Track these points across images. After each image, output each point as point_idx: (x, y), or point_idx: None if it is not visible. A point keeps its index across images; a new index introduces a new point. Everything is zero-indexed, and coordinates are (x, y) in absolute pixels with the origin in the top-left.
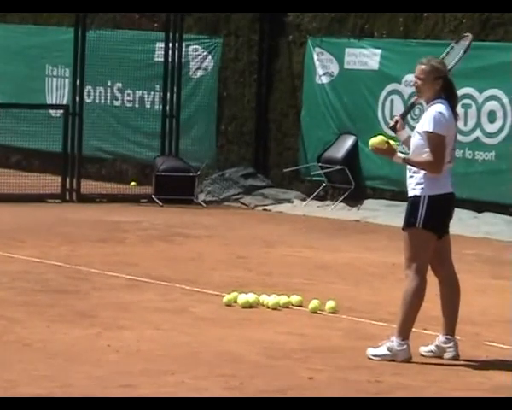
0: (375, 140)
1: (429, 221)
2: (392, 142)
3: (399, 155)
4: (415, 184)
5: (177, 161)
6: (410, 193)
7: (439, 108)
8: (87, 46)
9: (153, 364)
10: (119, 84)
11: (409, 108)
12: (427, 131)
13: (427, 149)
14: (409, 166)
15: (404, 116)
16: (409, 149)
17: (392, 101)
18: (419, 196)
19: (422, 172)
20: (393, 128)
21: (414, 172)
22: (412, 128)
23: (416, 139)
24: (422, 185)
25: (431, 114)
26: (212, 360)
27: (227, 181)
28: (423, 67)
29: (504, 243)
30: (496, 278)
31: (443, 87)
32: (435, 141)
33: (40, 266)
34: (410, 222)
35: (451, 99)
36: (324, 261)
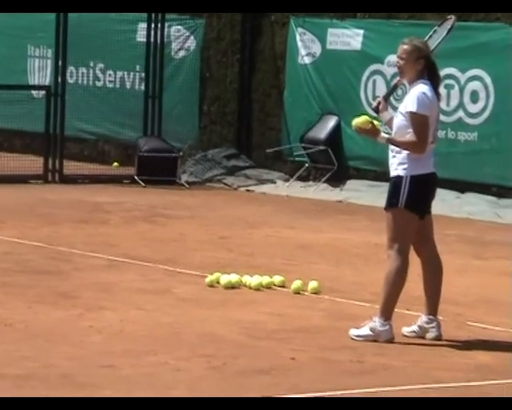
0: (359, 120)
1: (411, 201)
2: (375, 122)
3: (383, 135)
4: (397, 164)
5: (160, 142)
6: (393, 173)
7: (422, 88)
8: (69, 27)
9: (135, 344)
10: (101, 65)
11: (392, 90)
12: (410, 112)
13: (410, 130)
14: (391, 147)
15: (386, 97)
16: (391, 129)
17: (374, 81)
18: (401, 177)
19: (405, 152)
20: (376, 109)
21: (396, 153)
22: (395, 109)
23: (398, 120)
24: (405, 166)
25: (414, 95)
26: (194, 341)
27: (210, 162)
28: (405, 46)
29: (486, 223)
30: (477, 259)
31: (425, 67)
32: (419, 121)
33: (21, 247)
34: (392, 202)
35: (434, 79)
36: (306, 242)
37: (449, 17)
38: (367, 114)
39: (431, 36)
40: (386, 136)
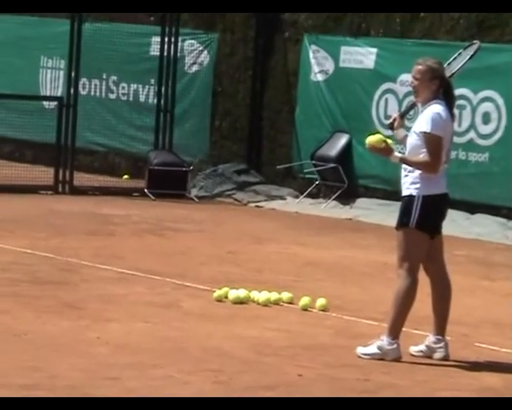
0: (373, 139)
1: (423, 221)
2: (389, 141)
3: (396, 154)
4: (409, 183)
5: (171, 156)
6: (405, 192)
7: (437, 108)
8: (83, 38)
9: (141, 357)
10: (115, 78)
11: (409, 108)
12: (424, 132)
13: (424, 150)
14: (404, 166)
15: (403, 115)
16: (405, 148)
17: (386, 100)
18: (413, 196)
19: (417, 171)
20: (391, 126)
21: (409, 172)
22: (407, 128)
23: (412, 139)
24: (417, 185)
25: (428, 115)
26: (200, 355)
27: (220, 177)
28: (420, 67)
29: (495, 244)
30: (485, 280)
31: (440, 87)
32: (433, 142)
33: (30, 258)
34: (403, 221)
35: (449, 100)
36: (315, 259)
37: (474, 42)
38: (380, 132)
39: (455, 58)
40: (400, 155)
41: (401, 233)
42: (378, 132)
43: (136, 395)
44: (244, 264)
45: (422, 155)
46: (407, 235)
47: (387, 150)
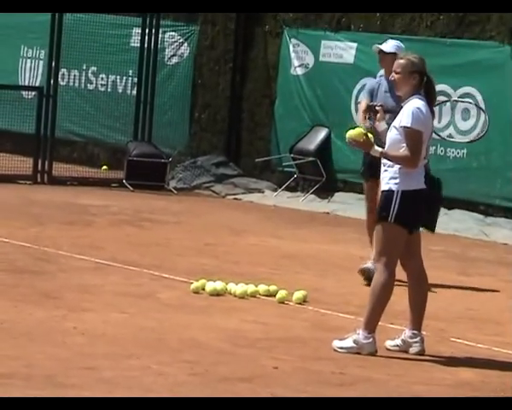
0: (353, 132)
1: (401, 216)
2: (370, 135)
3: (377, 148)
4: (388, 178)
5: (150, 147)
6: (384, 187)
7: (418, 103)
8: (64, 29)
9: (117, 347)
10: (94, 68)
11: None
12: (404, 127)
13: (404, 144)
14: (383, 161)
15: (386, 111)
16: (384, 141)
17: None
18: (393, 191)
19: (397, 166)
20: (370, 112)
21: (388, 167)
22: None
23: (392, 134)
24: (396, 180)
25: (409, 110)
26: (177, 346)
27: (199, 169)
28: (400, 61)
29: (472, 240)
30: (462, 275)
31: (421, 82)
32: (413, 136)
33: (7, 246)
34: (382, 216)
35: (429, 95)
36: (292, 252)
37: None
38: (361, 126)
39: None
40: (380, 149)
41: (380, 227)
42: (358, 126)
43: (111, 385)
44: (221, 256)
45: (402, 150)
46: (386, 229)
47: (367, 144)
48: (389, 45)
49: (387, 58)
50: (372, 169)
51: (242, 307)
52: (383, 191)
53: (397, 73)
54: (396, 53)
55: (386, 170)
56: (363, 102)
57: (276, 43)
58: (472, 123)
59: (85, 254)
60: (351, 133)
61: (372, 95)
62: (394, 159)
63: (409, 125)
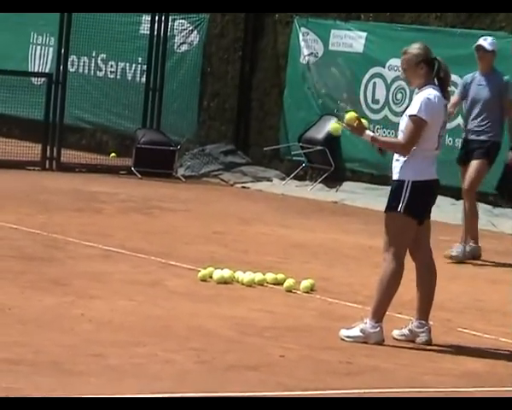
0: (346, 116)
1: (411, 206)
2: (363, 120)
3: (368, 132)
4: (400, 168)
5: (158, 135)
6: (395, 177)
7: (428, 93)
8: (73, 16)
9: (125, 335)
10: (103, 55)
11: None
12: (410, 115)
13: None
14: None
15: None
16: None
17: (374, 84)
18: (403, 181)
19: (408, 156)
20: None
21: (400, 156)
22: (396, 113)
23: (404, 123)
24: (407, 170)
25: (419, 99)
26: (184, 334)
27: (207, 157)
28: (404, 56)
29: (480, 230)
30: (470, 265)
31: (430, 70)
32: (414, 123)
33: (16, 233)
34: (391, 206)
35: (441, 80)
36: (300, 241)
37: None
38: (355, 111)
39: None
40: (372, 134)
41: (389, 217)
42: (354, 111)
43: (118, 373)
44: (229, 244)
45: (399, 137)
46: (395, 219)
47: (359, 129)
48: (488, 42)
49: (487, 55)
50: (469, 155)
51: (250, 296)
52: (394, 181)
53: (404, 70)
54: (494, 51)
55: (397, 160)
56: (455, 97)
57: (285, 32)
58: None
59: (94, 241)
60: (345, 117)
61: (465, 88)
62: (385, 144)
63: (415, 112)
